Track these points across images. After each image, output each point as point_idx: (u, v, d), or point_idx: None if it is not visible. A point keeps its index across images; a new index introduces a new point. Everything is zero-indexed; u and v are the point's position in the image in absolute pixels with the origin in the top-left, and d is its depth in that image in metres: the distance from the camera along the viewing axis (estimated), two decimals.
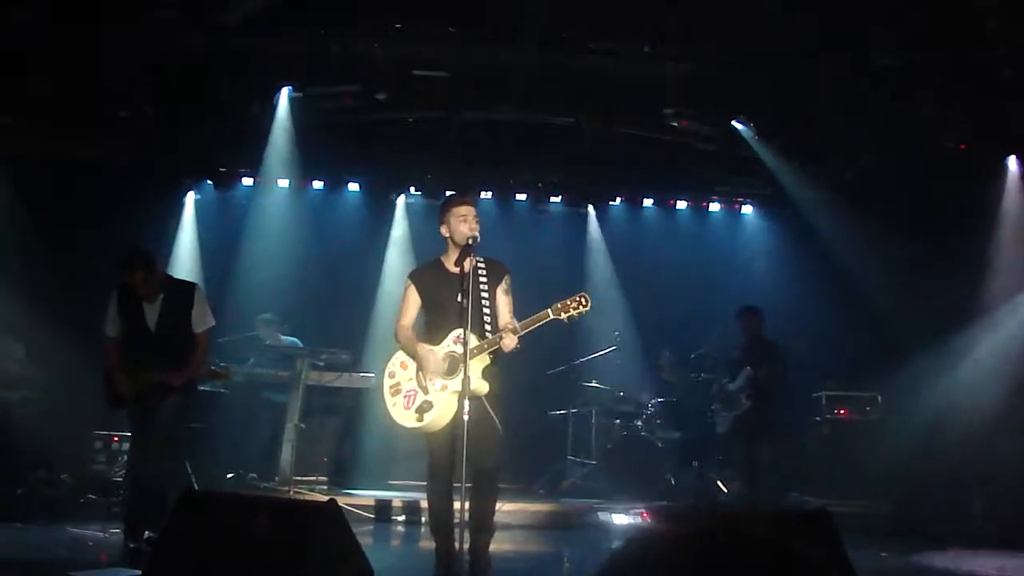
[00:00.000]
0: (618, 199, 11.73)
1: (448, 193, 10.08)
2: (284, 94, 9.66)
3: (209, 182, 11.06)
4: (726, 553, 3.63)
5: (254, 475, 9.27)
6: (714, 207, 11.82)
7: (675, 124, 9.95)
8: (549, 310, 5.30)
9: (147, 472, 6.26)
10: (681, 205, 11.74)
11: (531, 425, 9.84)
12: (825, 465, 9.56)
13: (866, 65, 8.42)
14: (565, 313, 5.28)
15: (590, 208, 11.79)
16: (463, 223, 5.46)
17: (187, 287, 6.66)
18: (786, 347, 9.33)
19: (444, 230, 5.57)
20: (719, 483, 9.63)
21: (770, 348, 9.29)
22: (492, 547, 5.55)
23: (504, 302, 5.58)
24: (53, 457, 8.76)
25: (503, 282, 5.60)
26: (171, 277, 6.79)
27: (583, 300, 5.29)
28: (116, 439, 8.57)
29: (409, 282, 5.68)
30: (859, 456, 9.26)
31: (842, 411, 9.76)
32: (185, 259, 10.64)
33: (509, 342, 5.29)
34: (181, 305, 6.47)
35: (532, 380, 9.53)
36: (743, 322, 9.50)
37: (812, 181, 10.23)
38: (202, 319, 6.53)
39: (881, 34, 8.09)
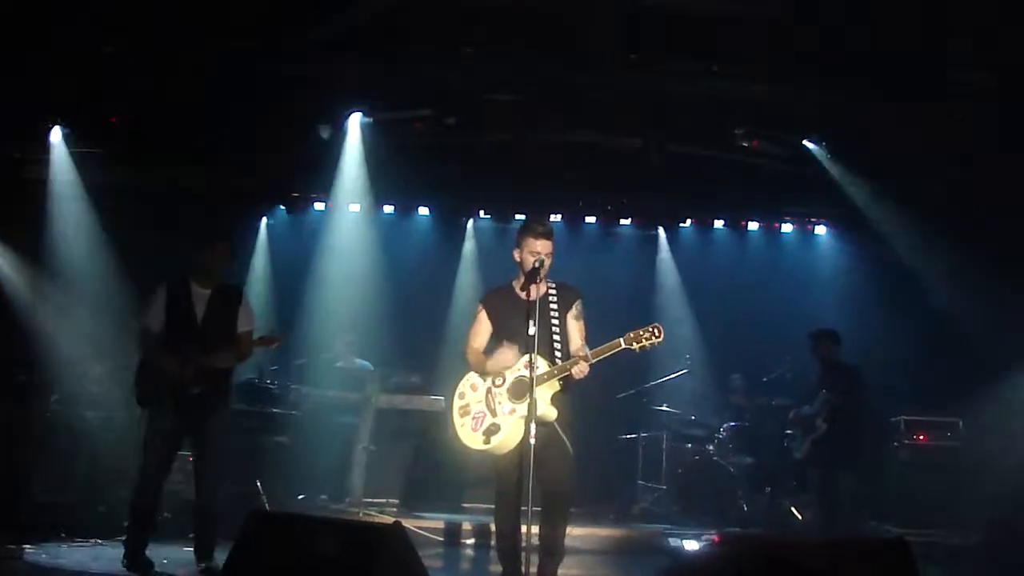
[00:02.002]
0: (688, 221, 11.60)
1: (519, 217, 10.21)
2: (355, 120, 9.79)
3: (282, 207, 11.26)
4: None
5: (325, 496, 9.34)
6: (786, 228, 11.61)
7: (746, 144, 9.83)
8: (621, 339, 5.27)
9: (202, 493, 6.44)
10: (753, 226, 11.54)
11: (601, 448, 9.76)
12: (904, 492, 9.26)
13: (945, 81, 8.21)
14: (637, 343, 5.26)
15: (660, 230, 11.68)
16: (532, 257, 5.42)
17: (236, 288, 6.84)
18: (862, 370, 9.09)
19: (516, 255, 5.55)
20: (793, 510, 9.40)
21: (847, 372, 9.04)
22: (560, 572, 5.51)
23: (575, 327, 5.55)
24: (132, 475, 8.94)
25: (574, 307, 5.57)
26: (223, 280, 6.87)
27: (656, 331, 5.26)
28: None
29: (480, 307, 5.72)
30: (940, 484, 8.96)
31: (921, 436, 9.45)
32: (258, 283, 10.78)
33: (580, 369, 5.27)
34: (229, 302, 6.58)
35: (602, 403, 9.43)
36: (817, 346, 9.24)
37: (888, 201, 9.97)
38: (246, 319, 6.62)
39: (960, 50, 7.88)
